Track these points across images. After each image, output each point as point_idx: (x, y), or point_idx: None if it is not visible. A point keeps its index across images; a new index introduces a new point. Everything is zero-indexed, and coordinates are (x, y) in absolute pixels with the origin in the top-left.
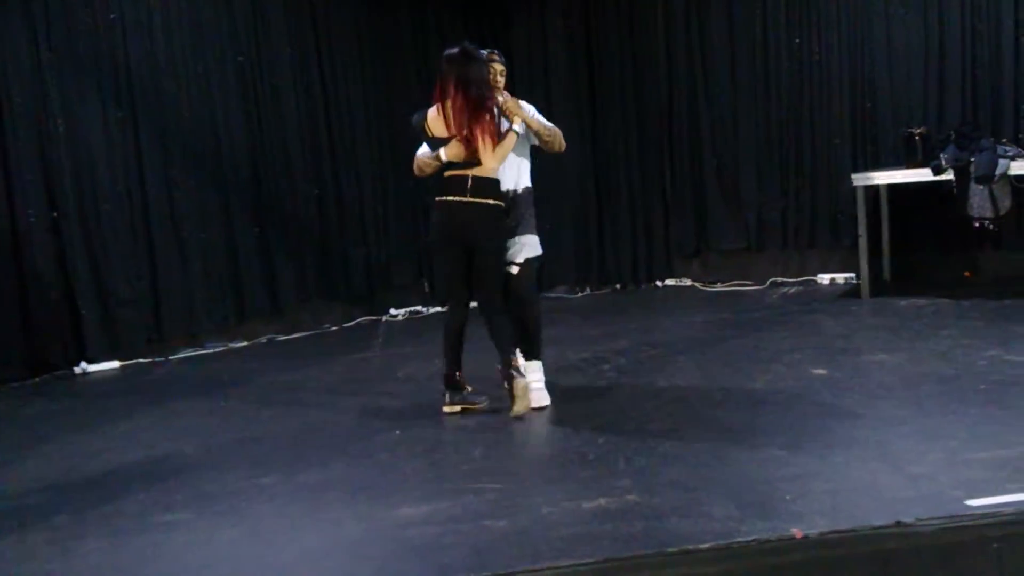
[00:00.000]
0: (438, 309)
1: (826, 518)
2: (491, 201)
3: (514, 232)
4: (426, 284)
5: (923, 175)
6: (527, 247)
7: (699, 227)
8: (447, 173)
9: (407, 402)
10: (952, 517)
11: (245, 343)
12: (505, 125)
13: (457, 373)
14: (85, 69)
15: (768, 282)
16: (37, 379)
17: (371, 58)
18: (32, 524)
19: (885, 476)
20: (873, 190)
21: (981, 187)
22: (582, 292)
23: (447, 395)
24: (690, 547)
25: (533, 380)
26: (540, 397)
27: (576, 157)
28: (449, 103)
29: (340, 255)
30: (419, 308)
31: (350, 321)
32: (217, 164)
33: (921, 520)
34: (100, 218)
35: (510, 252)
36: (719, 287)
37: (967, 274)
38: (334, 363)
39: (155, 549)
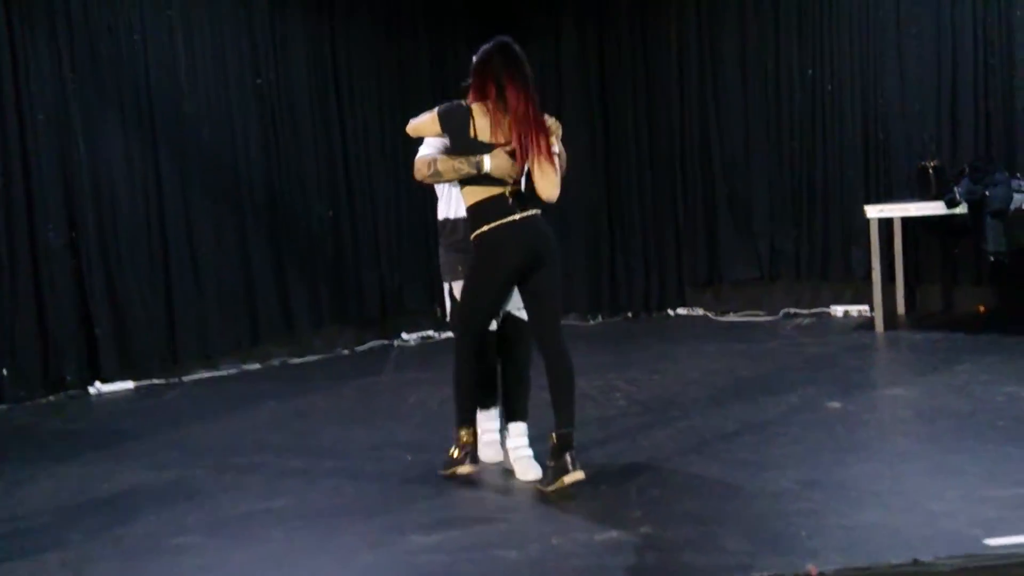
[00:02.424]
0: (449, 335)
1: (842, 554)
2: (539, 212)
3: None
4: (438, 309)
5: (937, 208)
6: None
7: (711, 257)
8: (479, 196)
9: (418, 428)
10: (971, 556)
11: (258, 365)
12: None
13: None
14: (107, 91)
15: (781, 313)
16: (52, 398)
17: (388, 83)
18: (45, 545)
19: (901, 513)
20: (887, 222)
21: (996, 221)
22: (594, 320)
23: (467, 455)
24: None
25: (522, 445)
26: (532, 468)
27: (589, 185)
28: (492, 105)
29: (353, 279)
30: (431, 333)
31: (362, 345)
32: (234, 187)
33: (939, 559)
34: (118, 239)
35: (515, 298)
36: (732, 317)
37: (981, 308)
38: (346, 387)
39: (166, 572)
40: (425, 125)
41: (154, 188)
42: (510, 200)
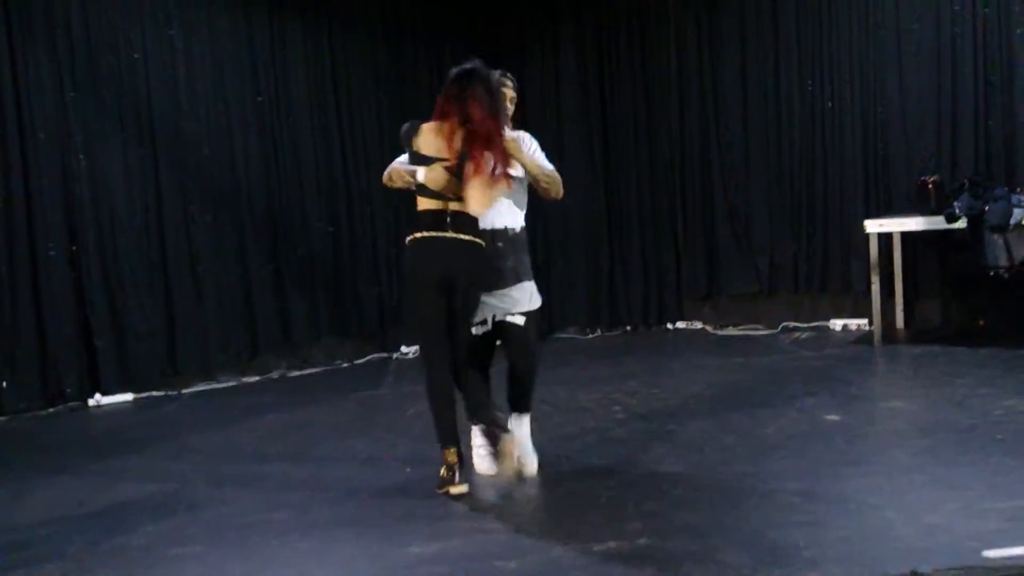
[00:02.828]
0: None
1: (841, 567)
2: (475, 239)
3: (516, 276)
4: None
5: (936, 223)
6: (533, 295)
7: (711, 270)
8: (422, 207)
9: (417, 440)
10: (969, 568)
11: (257, 378)
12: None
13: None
14: (108, 107)
15: (780, 327)
16: (52, 410)
17: (387, 98)
18: (44, 555)
19: (900, 525)
20: (886, 237)
21: (995, 236)
22: (592, 333)
23: (456, 473)
24: None
25: (524, 436)
26: (532, 461)
27: (588, 198)
28: (448, 125)
29: (352, 293)
30: None
31: (361, 358)
32: (234, 201)
33: (938, 570)
34: (118, 253)
35: (512, 299)
36: (730, 331)
37: (980, 323)
38: (345, 399)
39: None
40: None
41: (154, 203)
42: (448, 218)
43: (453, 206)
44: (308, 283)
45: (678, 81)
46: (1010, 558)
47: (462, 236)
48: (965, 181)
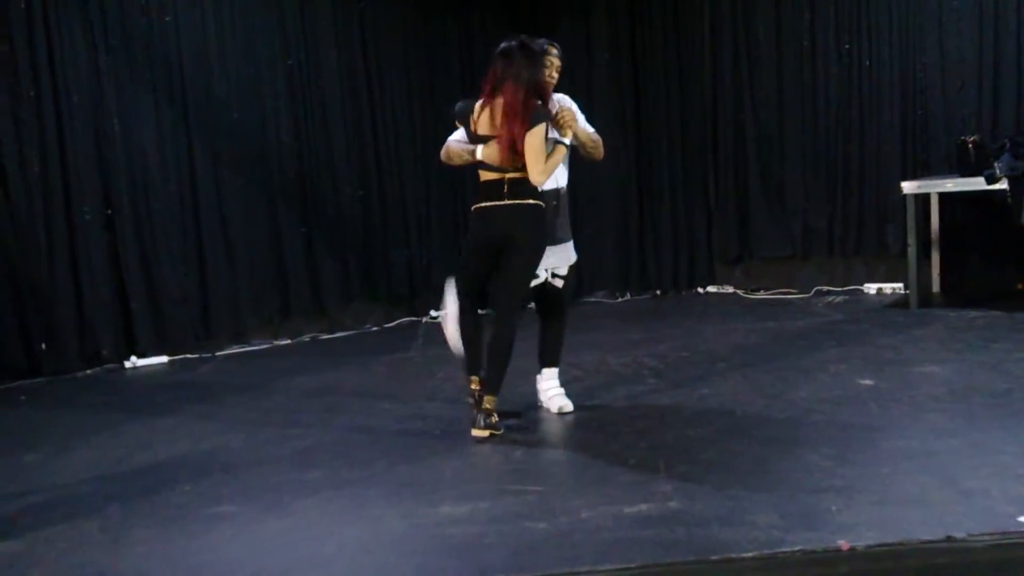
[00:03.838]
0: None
1: (874, 530)
2: (531, 201)
3: (556, 237)
4: None
5: (976, 184)
6: (570, 255)
7: (743, 234)
8: (483, 178)
9: (447, 402)
10: (1005, 533)
11: (289, 341)
12: (553, 134)
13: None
14: (140, 70)
15: (813, 291)
16: (89, 372)
17: (416, 62)
18: (84, 513)
19: (935, 490)
20: (923, 199)
21: None
22: (622, 297)
23: (480, 418)
24: (733, 555)
25: (553, 386)
26: (564, 402)
27: (619, 161)
28: (499, 101)
29: (382, 256)
30: None
31: (391, 322)
32: (265, 165)
33: (972, 536)
34: (152, 216)
35: (552, 260)
36: (762, 295)
37: (1020, 286)
38: (375, 363)
39: (202, 540)
40: (455, 118)
41: (187, 167)
42: (505, 187)
43: (511, 175)
44: (338, 247)
45: (711, 41)
46: None
47: (519, 201)
48: (1006, 141)
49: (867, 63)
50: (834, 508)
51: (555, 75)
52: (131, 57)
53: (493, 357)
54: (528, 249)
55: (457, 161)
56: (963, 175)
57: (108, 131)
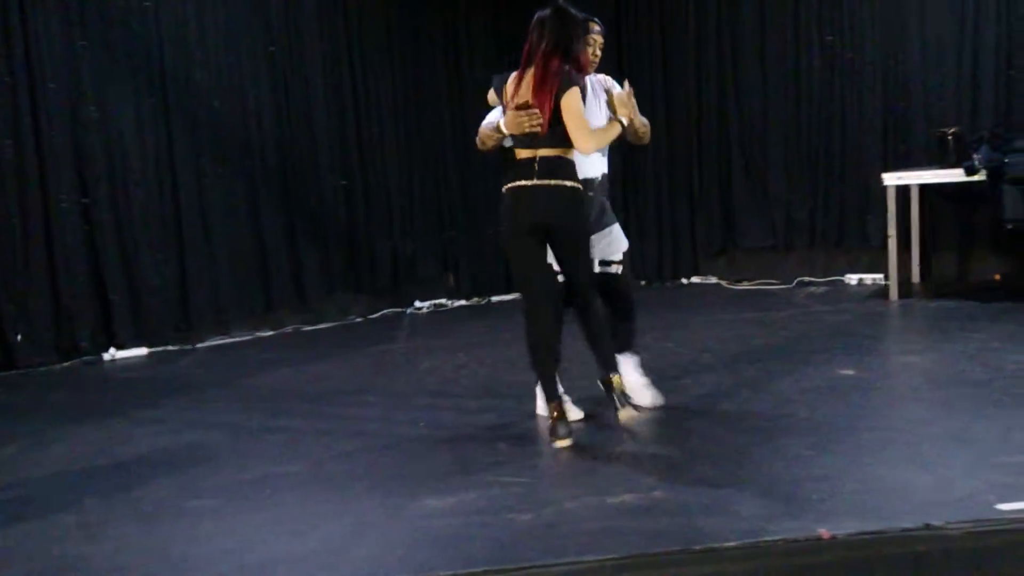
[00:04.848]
0: (462, 302)
1: (855, 519)
2: (567, 183)
3: (601, 222)
4: (451, 277)
5: (955, 176)
6: (621, 240)
7: (726, 225)
8: (516, 158)
9: (431, 394)
10: (982, 521)
11: (271, 332)
12: (607, 113)
13: (562, 400)
14: (118, 57)
15: (795, 281)
16: (67, 364)
17: (400, 51)
18: (61, 506)
19: (915, 478)
20: (904, 190)
21: (1014, 189)
22: None
23: (557, 428)
24: (716, 545)
25: (638, 376)
26: (654, 394)
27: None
28: (531, 71)
29: (366, 247)
30: (443, 301)
31: (375, 313)
32: (246, 154)
33: (951, 523)
34: (131, 205)
35: (603, 247)
36: (745, 286)
37: (997, 277)
38: (359, 354)
39: (182, 534)
40: (490, 95)
41: (166, 155)
42: (535, 166)
43: (543, 152)
44: (321, 237)
45: (696, 32)
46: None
47: (550, 182)
48: (985, 133)
49: (849, 55)
50: (816, 497)
51: (598, 53)
52: (109, 43)
53: (597, 337)
54: (568, 238)
55: (489, 143)
56: (942, 167)
57: (85, 118)
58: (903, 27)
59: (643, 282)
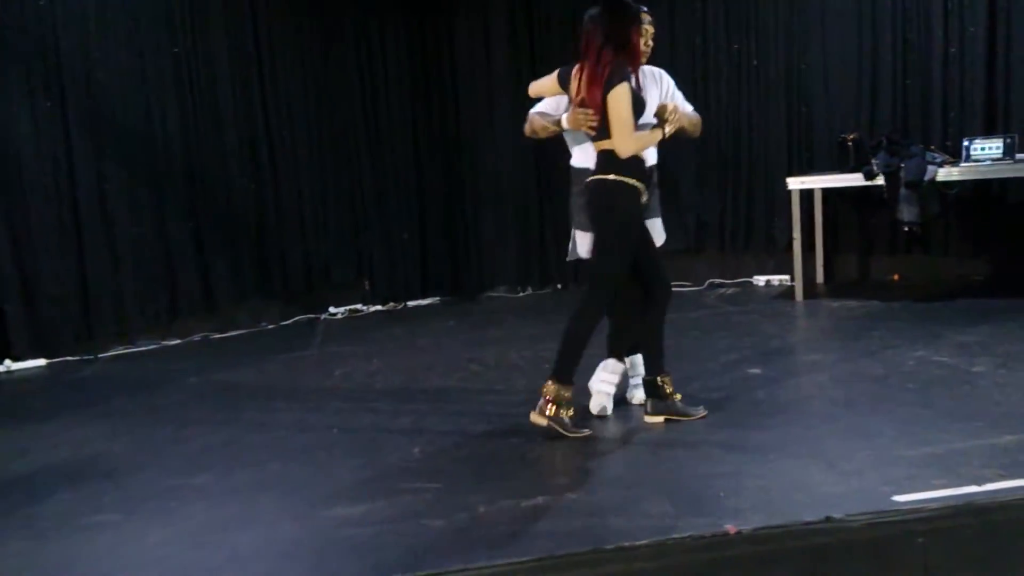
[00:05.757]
0: (378, 307)
1: (759, 514)
2: (611, 177)
3: (655, 211)
4: (366, 282)
5: (855, 180)
6: (660, 232)
7: None
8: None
9: (344, 401)
10: (880, 512)
11: (178, 341)
12: (654, 120)
13: (664, 374)
14: (12, 57)
15: (706, 283)
16: None
17: (310, 52)
18: None
19: (817, 473)
20: (807, 194)
21: (910, 192)
22: (523, 291)
23: (649, 404)
24: (627, 544)
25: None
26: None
27: (517, 156)
28: (585, 65)
29: (278, 252)
30: (359, 306)
31: (288, 319)
32: (151, 158)
33: (850, 516)
34: (28, 211)
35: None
36: None
37: (895, 277)
38: (271, 362)
39: (80, 550)
40: (544, 84)
41: (64, 158)
42: (596, 160)
43: (600, 146)
44: (231, 242)
45: None
46: (919, 502)
47: (601, 176)
48: (883, 139)
49: (755, 62)
50: (722, 494)
51: (650, 42)
52: (2, 41)
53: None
54: (598, 229)
55: (543, 134)
56: (843, 171)
57: None
58: (806, 35)
59: (559, 285)
